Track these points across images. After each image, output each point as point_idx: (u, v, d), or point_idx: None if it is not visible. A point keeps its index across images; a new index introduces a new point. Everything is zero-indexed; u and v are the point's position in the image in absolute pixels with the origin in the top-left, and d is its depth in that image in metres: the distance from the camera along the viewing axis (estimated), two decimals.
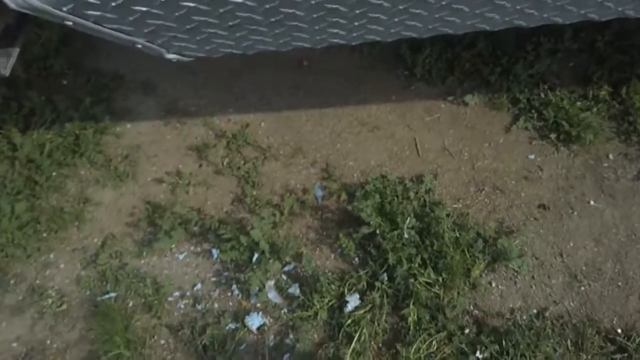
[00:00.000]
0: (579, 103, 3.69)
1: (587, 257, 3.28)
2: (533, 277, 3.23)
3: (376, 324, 3.07)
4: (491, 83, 3.78)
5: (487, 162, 3.58)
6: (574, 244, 3.31)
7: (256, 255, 3.23)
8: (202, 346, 3.06)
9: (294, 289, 3.19)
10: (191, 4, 2.09)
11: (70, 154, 3.60)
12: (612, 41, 3.82)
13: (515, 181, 3.51)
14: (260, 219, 3.30)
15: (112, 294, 3.20)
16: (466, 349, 2.98)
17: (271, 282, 3.22)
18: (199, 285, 3.26)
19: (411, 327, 3.04)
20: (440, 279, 3.13)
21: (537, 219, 3.39)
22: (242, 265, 3.27)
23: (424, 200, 3.39)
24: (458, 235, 3.22)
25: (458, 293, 3.14)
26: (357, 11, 2.27)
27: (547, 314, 3.11)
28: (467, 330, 3.07)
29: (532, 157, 3.58)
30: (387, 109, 3.78)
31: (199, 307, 3.19)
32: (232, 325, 3.11)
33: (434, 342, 3.00)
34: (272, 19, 2.25)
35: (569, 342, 3.02)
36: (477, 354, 2.98)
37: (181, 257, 3.33)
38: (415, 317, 3.06)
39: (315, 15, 2.26)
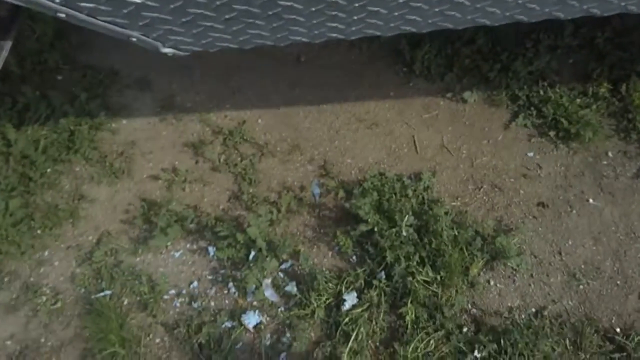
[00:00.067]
0: (578, 100, 3.63)
1: (586, 256, 3.22)
2: (532, 275, 3.17)
3: (374, 322, 3.02)
4: (490, 80, 3.71)
5: (485, 160, 3.52)
6: (573, 243, 3.26)
7: (253, 253, 3.17)
8: (198, 345, 2.99)
9: (291, 287, 3.13)
10: None
11: (65, 150, 3.52)
12: (612, 38, 3.76)
13: (514, 179, 3.45)
14: (257, 217, 3.24)
15: (107, 292, 3.14)
16: (464, 348, 2.93)
17: (268, 280, 3.16)
18: (195, 283, 3.19)
19: (409, 326, 2.99)
20: (439, 277, 3.07)
21: (535, 217, 3.34)
22: (238, 263, 3.21)
23: (422, 198, 3.34)
24: (456, 234, 3.16)
25: (456, 291, 3.08)
26: (357, 4, 2.22)
27: (545, 313, 3.06)
28: (465, 329, 3.02)
29: (531, 154, 3.52)
30: (386, 105, 3.71)
31: (195, 305, 3.12)
32: (228, 324, 3.05)
33: (431, 341, 2.95)
34: (270, 12, 2.20)
35: (567, 341, 2.97)
36: (475, 353, 2.93)
37: (177, 254, 3.27)
38: (413, 315, 3.00)
39: (313, 9, 2.21)
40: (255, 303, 3.12)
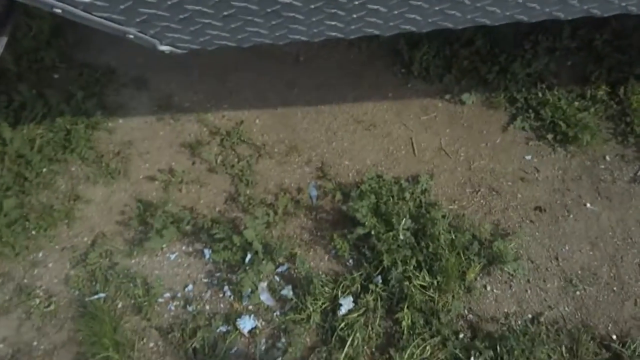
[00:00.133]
0: (576, 103, 3.46)
1: (582, 261, 3.07)
2: (528, 281, 3.02)
3: (370, 327, 2.87)
4: (489, 81, 3.54)
5: (483, 163, 3.35)
6: (570, 248, 3.10)
7: (249, 256, 3.00)
8: (193, 349, 2.84)
9: (287, 291, 2.97)
10: None
11: (61, 150, 3.34)
12: (611, 40, 3.58)
13: (511, 182, 3.29)
14: (254, 219, 3.07)
15: (102, 295, 2.97)
16: (460, 354, 2.79)
17: (264, 284, 2.99)
18: (190, 286, 3.03)
19: (405, 332, 2.84)
20: (435, 282, 2.92)
21: (533, 221, 3.17)
22: (234, 266, 3.04)
23: (420, 201, 3.17)
24: (454, 237, 3.01)
25: (453, 297, 2.93)
26: (356, 2, 2.11)
27: (542, 319, 2.91)
28: (461, 335, 2.87)
29: (529, 157, 3.35)
30: (384, 106, 3.53)
31: (189, 308, 2.96)
32: (223, 328, 2.89)
33: (427, 347, 2.80)
34: (269, 10, 2.09)
35: (563, 348, 2.82)
36: (472, 359, 2.78)
37: (172, 257, 3.10)
38: (410, 321, 2.85)
39: (312, 6, 2.10)
40: (250, 307, 2.96)
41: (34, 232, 3.12)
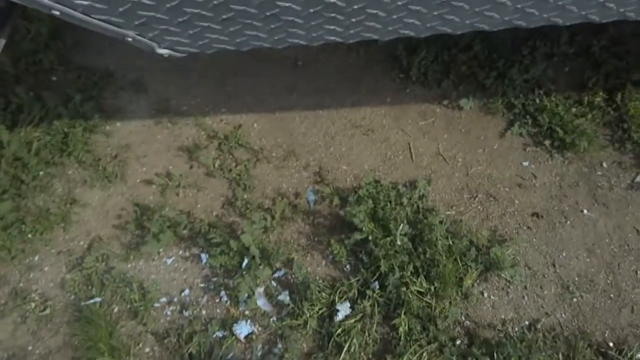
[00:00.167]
0: (574, 109, 3.42)
1: (579, 268, 3.02)
2: (525, 287, 2.97)
3: (366, 333, 2.82)
4: (487, 87, 3.50)
5: (481, 169, 3.30)
6: (567, 254, 3.06)
7: (246, 261, 2.95)
8: (189, 355, 2.78)
9: (284, 297, 2.92)
10: None
11: (58, 153, 3.28)
12: (608, 46, 3.55)
13: (508, 188, 3.25)
14: (251, 223, 3.02)
15: (97, 299, 2.91)
16: None
17: (261, 289, 2.95)
18: (186, 291, 2.98)
19: (402, 338, 2.79)
20: (433, 288, 2.87)
21: (530, 227, 3.13)
22: (231, 271, 2.99)
23: (417, 207, 3.13)
24: (451, 243, 2.96)
25: (450, 303, 2.88)
26: (355, 6, 2.07)
27: (539, 326, 2.87)
28: (458, 342, 2.82)
29: (526, 164, 3.31)
30: (382, 111, 3.49)
31: (186, 313, 2.91)
32: (219, 334, 2.84)
33: (424, 354, 2.75)
34: (268, 13, 2.06)
35: (560, 355, 2.77)
36: None
37: (169, 261, 3.05)
38: (406, 327, 2.80)
39: (312, 10, 2.06)
40: (247, 312, 2.91)
41: (30, 236, 3.07)
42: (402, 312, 2.82)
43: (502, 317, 2.90)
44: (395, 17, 2.17)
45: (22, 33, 3.57)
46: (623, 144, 3.36)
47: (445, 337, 2.79)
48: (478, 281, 2.97)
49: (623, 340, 2.84)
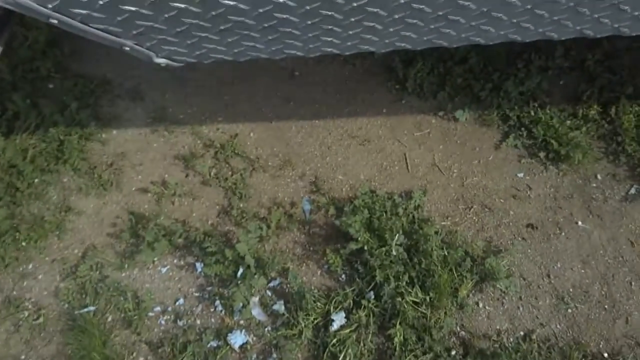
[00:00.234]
0: (568, 122, 3.49)
1: (574, 279, 3.07)
2: (520, 298, 3.02)
3: (362, 344, 2.84)
4: (482, 99, 3.56)
5: (476, 180, 3.36)
6: (562, 265, 3.11)
7: (241, 270, 2.98)
8: None
9: (279, 306, 2.94)
10: (182, 5, 1.92)
11: (53, 160, 3.30)
12: (603, 60, 3.63)
13: (503, 199, 3.30)
14: (247, 233, 3.05)
15: (91, 308, 2.93)
16: None
17: (255, 299, 2.97)
18: (181, 300, 2.99)
19: (397, 348, 2.82)
20: (428, 299, 2.91)
21: (525, 238, 3.18)
22: (226, 280, 3.01)
23: (413, 217, 3.17)
24: (446, 254, 3.00)
25: (445, 313, 2.91)
26: (353, 19, 2.11)
27: (533, 337, 2.91)
28: (453, 352, 2.85)
29: (521, 175, 3.37)
30: (378, 122, 3.54)
31: (180, 323, 2.92)
32: (214, 343, 2.85)
33: None
34: (265, 25, 2.09)
35: None
36: None
37: (164, 270, 3.07)
38: (402, 337, 2.83)
39: (309, 22, 2.10)
40: (242, 322, 2.93)
41: (24, 244, 3.08)
42: (398, 322, 2.85)
43: (497, 327, 2.94)
44: (392, 30, 2.22)
45: (19, 40, 3.61)
46: (617, 157, 3.42)
47: (441, 348, 2.82)
48: (473, 292, 3.01)
49: (618, 351, 2.88)
